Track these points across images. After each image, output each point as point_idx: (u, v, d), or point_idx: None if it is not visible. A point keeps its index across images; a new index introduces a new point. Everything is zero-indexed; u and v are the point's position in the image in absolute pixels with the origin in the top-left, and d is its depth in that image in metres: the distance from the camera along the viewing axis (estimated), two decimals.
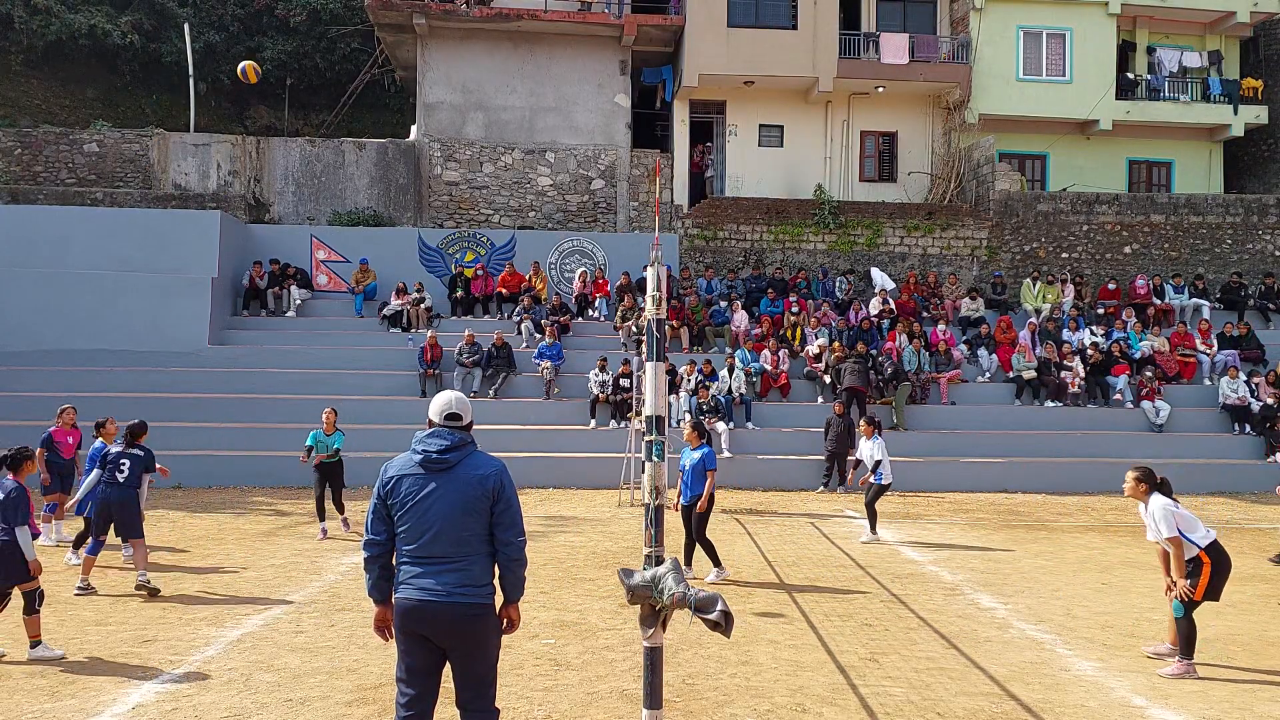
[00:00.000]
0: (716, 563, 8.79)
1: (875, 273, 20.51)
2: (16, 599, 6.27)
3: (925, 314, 19.41)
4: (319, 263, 19.81)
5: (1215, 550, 6.21)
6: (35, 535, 6.39)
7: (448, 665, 3.79)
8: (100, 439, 9.06)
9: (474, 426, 4.04)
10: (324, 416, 11.08)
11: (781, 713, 5.31)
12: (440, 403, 3.91)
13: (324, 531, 10.75)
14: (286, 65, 26.40)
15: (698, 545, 8.78)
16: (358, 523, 11.01)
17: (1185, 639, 6.19)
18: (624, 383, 16.19)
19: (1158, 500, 6.37)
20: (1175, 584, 6.21)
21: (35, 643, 6.21)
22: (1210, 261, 21.63)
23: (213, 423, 15.87)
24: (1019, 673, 6.12)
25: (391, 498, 3.78)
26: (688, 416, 15.99)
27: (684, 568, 8.64)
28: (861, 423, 11.33)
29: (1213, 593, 6.21)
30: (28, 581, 6.24)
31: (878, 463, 10.76)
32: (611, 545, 10.41)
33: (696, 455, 8.79)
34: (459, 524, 3.71)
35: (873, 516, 10.83)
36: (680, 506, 8.90)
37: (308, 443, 10.96)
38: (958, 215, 21.51)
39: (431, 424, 3.89)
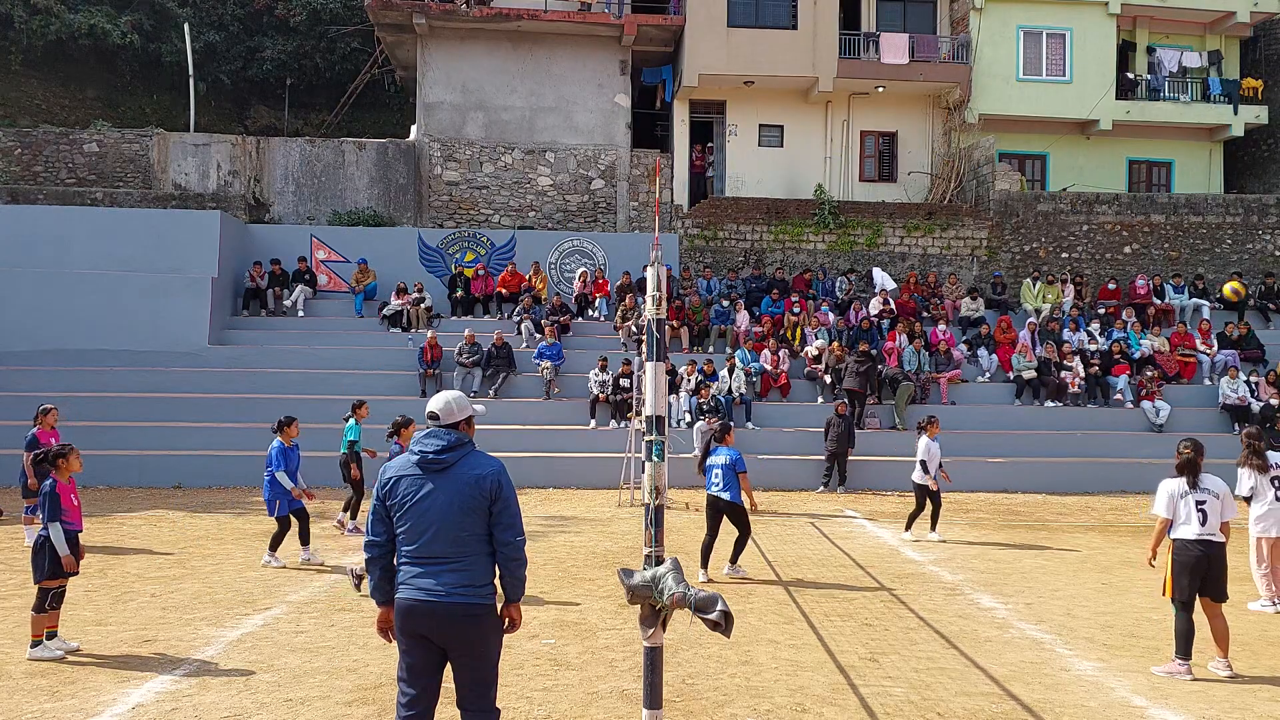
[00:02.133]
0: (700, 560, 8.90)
1: (877, 273, 20.51)
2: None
3: (925, 314, 19.40)
4: (319, 262, 19.82)
5: (1179, 548, 6.15)
6: (78, 530, 6.42)
7: (449, 665, 3.80)
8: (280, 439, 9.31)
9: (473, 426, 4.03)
10: (362, 410, 11.16)
11: (781, 713, 5.31)
12: (430, 402, 3.94)
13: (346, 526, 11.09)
14: (286, 65, 26.42)
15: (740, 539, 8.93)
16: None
17: (1178, 637, 6.14)
18: (624, 383, 16.19)
19: (1165, 482, 6.36)
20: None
21: (35, 642, 6.21)
22: (1210, 261, 21.63)
23: (213, 423, 15.86)
24: (1019, 673, 6.12)
25: (390, 498, 3.78)
26: (688, 416, 16.01)
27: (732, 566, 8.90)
28: (932, 422, 11.02)
29: (1178, 589, 6.13)
30: (56, 579, 6.26)
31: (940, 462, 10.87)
32: (611, 545, 10.41)
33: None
34: (457, 524, 3.71)
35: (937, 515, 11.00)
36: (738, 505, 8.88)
37: (353, 435, 11.01)
38: (958, 215, 21.52)
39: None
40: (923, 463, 10.89)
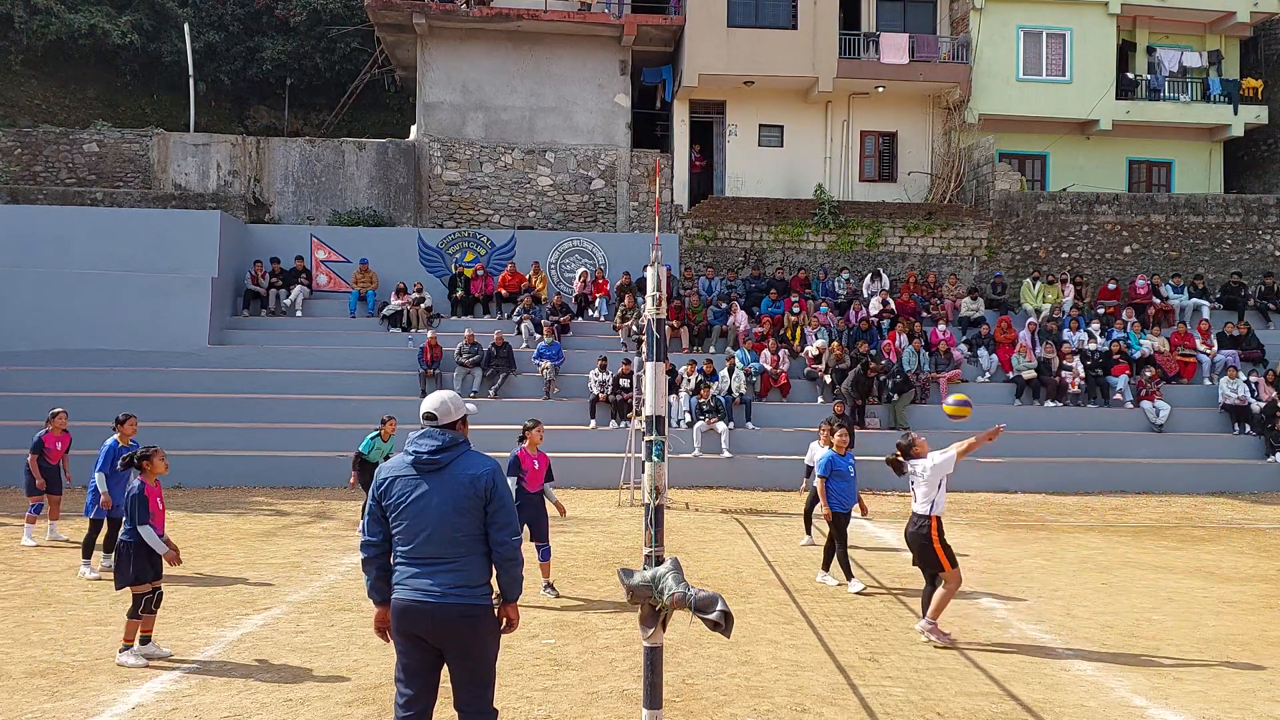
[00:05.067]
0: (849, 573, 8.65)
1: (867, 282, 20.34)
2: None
3: (925, 314, 19.40)
4: (319, 262, 19.81)
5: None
6: (159, 533, 6.34)
7: (446, 665, 3.79)
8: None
9: (473, 426, 4.04)
10: (386, 425, 10.98)
11: (781, 713, 5.31)
12: (424, 402, 3.94)
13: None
14: (286, 65, 26.42)
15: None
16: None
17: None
18: (624, 383, 16.19)
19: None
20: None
21: (125, 646, 6.09)
22: (1210, 261, 21.63)
23: (213, 423, 15.87)
24: (1019, 673, 6.12)
25: (386, 499, 3.78)
26: (688, 416, 16.00)
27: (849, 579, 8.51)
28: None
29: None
30: (145, 583, 6.19)
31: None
32: (611, 545, 10.41)
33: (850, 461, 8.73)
34: (452, 524, 3.71)
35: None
36: (835, 514, 8.54)
37: (361, 448, 10.83)
38: (958, 215, 21.51)
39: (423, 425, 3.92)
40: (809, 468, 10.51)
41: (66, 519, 11.03)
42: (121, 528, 6.29)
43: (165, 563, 6.29)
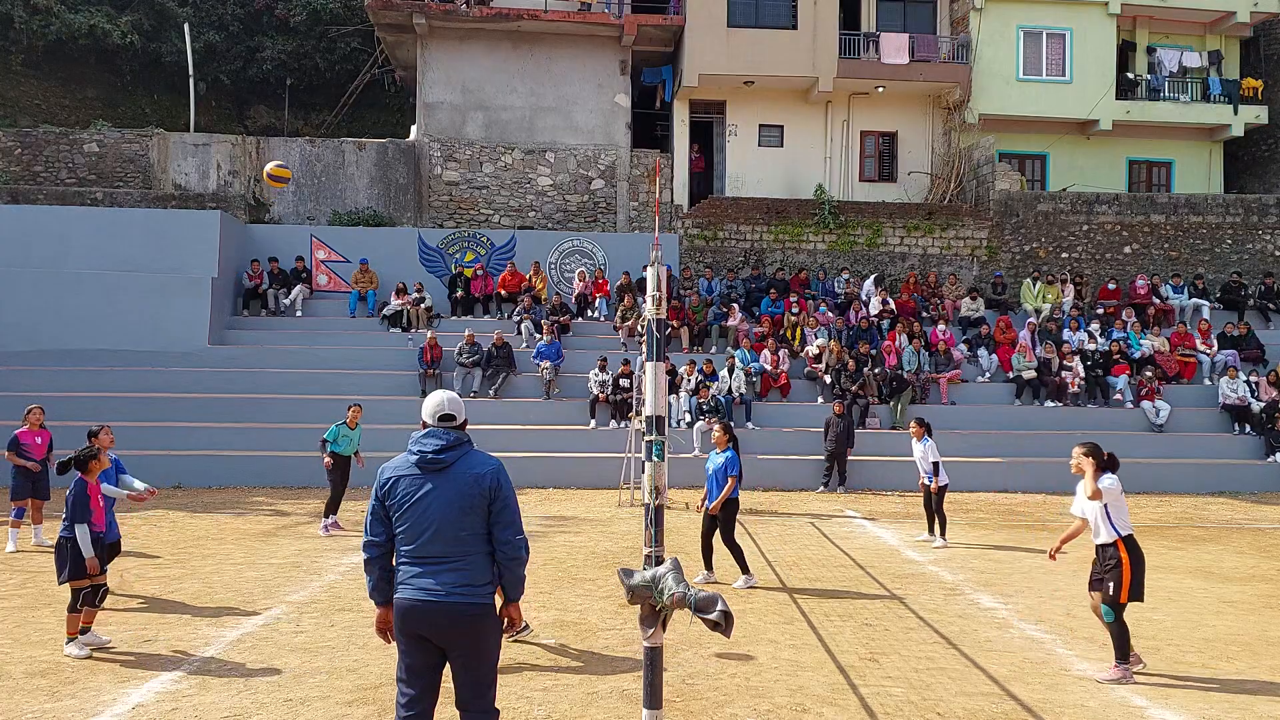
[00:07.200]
0: (744, 569, 8.58)
1: (867, 285, 20.19)
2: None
3: (925, 314, 19.40)
4: (319, 262, 19.81)
5: (1137, 546, 6.00)
6: (99, 533, 6.41)
7: (448, 665, 3.79)
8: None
9: (473, 426, 4.04)
10: (350, 413, 11.31)
11: (781, 713, 5.31)
12: (433, 403, 3.91)
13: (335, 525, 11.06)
14: (286, 65, 26.42)
15: (728, 550, 8.61)
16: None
17: (1118, 641, 5.96)
18: (624, 383, 16.19)
19: (1114, 478, 6.18)
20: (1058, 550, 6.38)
21: (70, 639, 6.27)
22: (1210, 261, 21.63)
23: (213, 423, 15.87)
24: (1019, 673, 6.11)
25: (389, 499, 3.78)
26: (688, 416, 16.01)
27: (707, 571, 8.73)
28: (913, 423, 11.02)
29: (1138, 590, 5.94)
30: (83, 579, 6.31)
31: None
32: (611, 545, 10.41)
33: (720, 459, 8.57)
34: (456, 523, 3.71)
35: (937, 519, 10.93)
36: (703, 509, 8.71)
37: (327, 435, 11.13)
38: (958, 215, 21.51)
39: (425, 425, 3.90)
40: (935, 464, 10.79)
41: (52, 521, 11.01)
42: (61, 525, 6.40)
43: (87, 569, 6.30)
